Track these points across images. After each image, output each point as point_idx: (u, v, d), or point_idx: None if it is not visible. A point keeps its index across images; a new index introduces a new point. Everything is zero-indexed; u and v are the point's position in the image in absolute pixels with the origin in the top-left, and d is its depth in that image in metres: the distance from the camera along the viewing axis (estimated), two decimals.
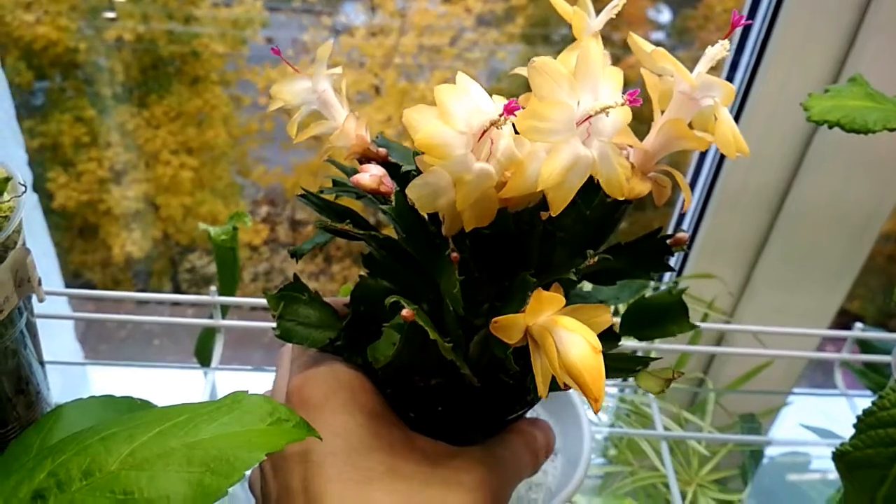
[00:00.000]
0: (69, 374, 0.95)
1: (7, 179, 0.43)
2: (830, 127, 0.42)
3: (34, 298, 0.48)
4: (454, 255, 0.30)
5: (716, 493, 0.70)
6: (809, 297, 0.81)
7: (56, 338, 0.98)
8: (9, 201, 0.42)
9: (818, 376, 1.16)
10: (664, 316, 0.37)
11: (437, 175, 0.29)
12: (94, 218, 2.00)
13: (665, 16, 2.18)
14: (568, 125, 0.28)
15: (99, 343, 1.50)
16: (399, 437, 0.35)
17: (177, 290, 2.13)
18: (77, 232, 2.05)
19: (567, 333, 0.28)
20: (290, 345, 0.41)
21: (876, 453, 0.40)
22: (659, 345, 0.79)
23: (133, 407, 0.44)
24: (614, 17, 0.32)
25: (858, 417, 0.41)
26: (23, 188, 0.43)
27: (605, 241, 0.32)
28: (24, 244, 0.44)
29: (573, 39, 0.32)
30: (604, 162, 0.28)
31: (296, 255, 0.36)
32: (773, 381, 0.86)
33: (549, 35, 2.20)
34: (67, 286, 1.93)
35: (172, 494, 0.29)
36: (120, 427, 0.34)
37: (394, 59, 2.18)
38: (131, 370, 0.95)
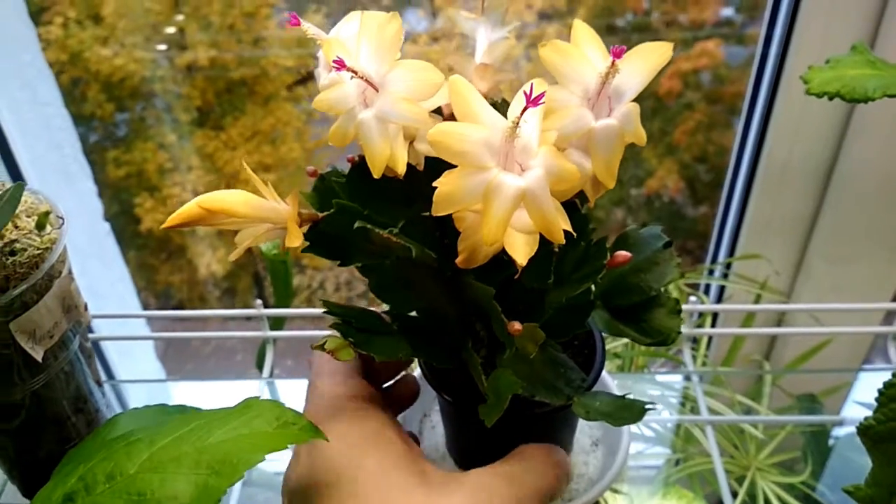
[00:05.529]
0: (153, 393, 1.01)
1: (47, 213, 0.46)
2: (830, 98, 0.41)
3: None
4: None
5: (776, 476, 0.68)
6: (868, 270, 0.78)
7: (138, 358, 1.03)
8: (50, 234, 0.46)
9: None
10: None
11: None
12: (180, 239, 2.10)
13: None
14: (349, 80, 0.32)
15: (185, 361, 1.57)
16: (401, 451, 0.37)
17: (264, 305, 2.21)
18: (165, 254, 2.15)
19: None
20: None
21: None
22: (709, 329, 0.78)
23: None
24: None
25: (879, 390, 0.40)
26: (61, 220, 0.46)
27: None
28: (69, 272, 0.48)
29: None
30: (363, 128, 0.32)
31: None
32: (841, 359, 0.84)
33: (614, 24, 2.18)
34: (159, 306, 2.02)
35: (180, 494, 0.31)
36: (145, 433, 0.36)
37: None
38: (207, 385, 1.00)
